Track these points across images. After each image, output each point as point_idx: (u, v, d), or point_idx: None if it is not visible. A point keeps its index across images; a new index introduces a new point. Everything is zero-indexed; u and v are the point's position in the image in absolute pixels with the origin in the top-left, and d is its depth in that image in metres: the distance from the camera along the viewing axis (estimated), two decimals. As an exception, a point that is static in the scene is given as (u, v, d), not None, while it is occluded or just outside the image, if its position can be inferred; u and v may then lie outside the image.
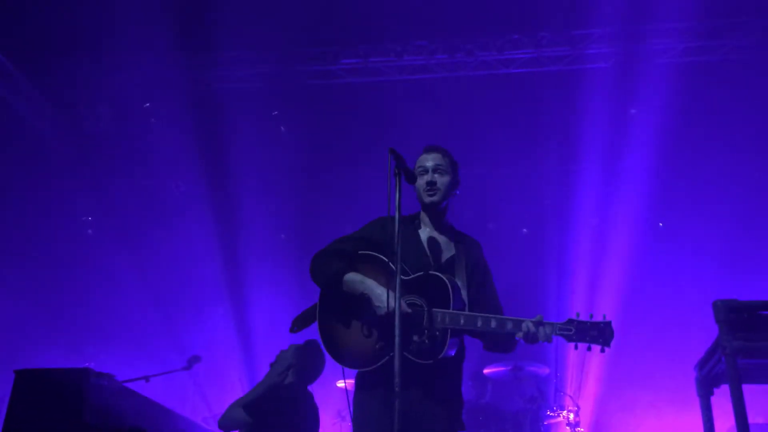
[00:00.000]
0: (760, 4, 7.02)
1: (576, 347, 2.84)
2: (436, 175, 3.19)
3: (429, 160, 3.22)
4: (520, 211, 8.75)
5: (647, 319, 7.91)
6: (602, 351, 2.80)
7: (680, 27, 7.18)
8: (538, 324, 2.83)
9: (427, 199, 3.19)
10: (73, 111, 8.14)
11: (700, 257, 7.92)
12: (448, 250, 3.23)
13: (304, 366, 4.62)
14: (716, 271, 7.64)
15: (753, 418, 3.24)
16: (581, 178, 8.35)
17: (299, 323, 3.27)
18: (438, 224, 3.28)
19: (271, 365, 4.73)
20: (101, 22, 6.93)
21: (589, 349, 2.83)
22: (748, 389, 2.72)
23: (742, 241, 7.84)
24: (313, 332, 3.24)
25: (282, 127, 8.28)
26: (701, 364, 3.27)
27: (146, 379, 5.34)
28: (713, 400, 3.31)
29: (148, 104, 7.94)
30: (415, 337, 2.89)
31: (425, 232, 3.26)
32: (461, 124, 7.74)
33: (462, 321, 2.89)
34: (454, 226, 3.38)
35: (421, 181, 3.19)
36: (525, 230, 8.88)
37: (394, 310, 2.78)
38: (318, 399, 4.71)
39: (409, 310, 2.91)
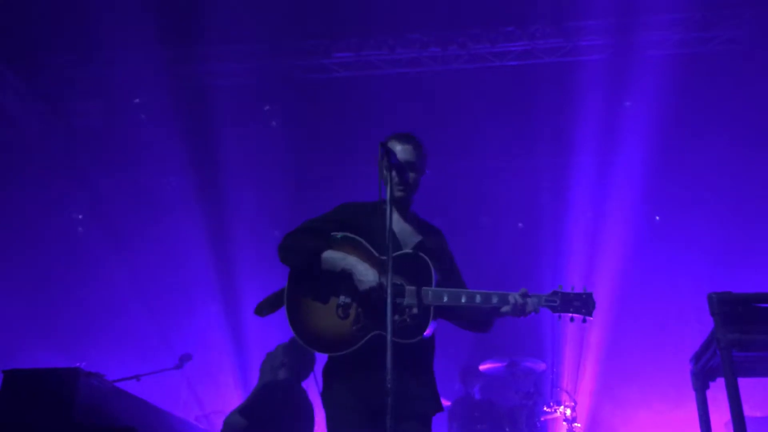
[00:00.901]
0: (754, -5, 6.99)
1: (559, 318, 2.96)
2: (409, 174, 3.11)
3: (403, 153, 3.13)
4: (515, 204, 8.71)
5: (643, 313, 7.89)
6: (584, 321, 2.95)
7: (674, 18, 7.15)
8: (524, 296, 2.89)
9: (397, 194, 3.11)
10: (61, 107, 8.07)
11: (695, 250, 7.89)
12: (414, 237, 3.18)
13: (295, 362, 4.59)
14: (711, 264, 7.61)
15: (749, 411, 3.21)
16: (576, 171, 8.32)
17: (266, 307, 3.14)
18: (404, 213, 3.23)
19: (261, 368, 4.69)
20: (89, 17, 6.86)
21: (572, 320, 2.95)
22: (743, 382, 2.70)
23: (737, 234, 7.82)
24: (280, 316, 3.09)
25: (273, 122, 8.22)
26: (696, 358, 3.25)
27: (137, 378, 5.30)
28: (709, 393, 3.29)
29: (137, 100, 7.87)
30: (396, 317, 2.82)
31: (394, 216, 3.14)
32: (455, 117, 7.70)
33: (446, 297, 2.87)
34: (417, 215, 3.33)
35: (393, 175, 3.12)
36: (520, 224, 8.85)
37: (375, 287, 2.81)
38: (313, 398, 4.67)
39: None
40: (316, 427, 4.62)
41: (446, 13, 7.10)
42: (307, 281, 2.99)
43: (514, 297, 2.88)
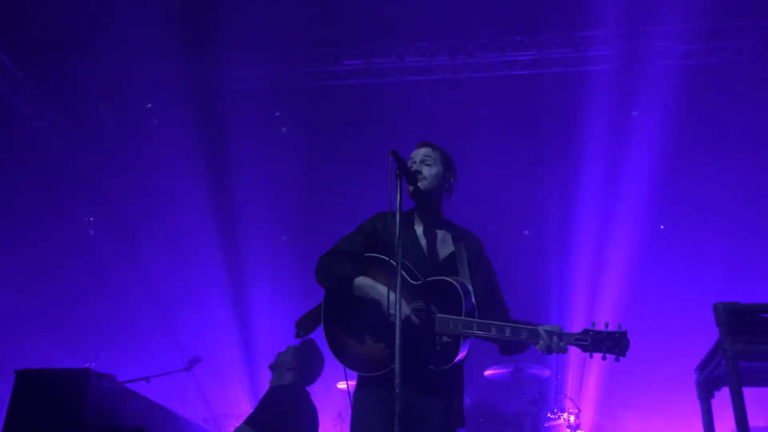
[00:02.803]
0: (762, 7, 7.01)
1: (591, 356, 2.85)
2: (423, 166, 3.18)
3: (418, 154, 3.24)
4: (522, 212, 8.73)
5: (648, 322, 7.87)
6: (617, 360, 2.82)
7: (683, 29, 7.19)
8: (553, 334, 2.81)
9: (410, 189, 3.15)
10: (74, 110, 8.14)
11: (701, 260, 7.90)
12: (445, 247, 3.20)
13: (304, 366, 4.60)
14: (717, 274, 7.61)
15: (753, 421, 3.23)
16: (583, 180, 8.34)
17: (304, 327, 3.22)
18: (432, 219, 3.24)
19: (270, 367, 4.72)
20: (104, 21, 6.93)
21: (604, 358, 2.84)
22: (748, 392, 2.71)
23: (743, 244, 7.82)
24: (317, 334, 3.23)
25: (283, 128, 8.28)
26: (702, 367, 3.25)
27: (147, 379, 5.35)
28: (714, 402, 3.29)
29: (149, 105, 7.93)
30: (429, 344, 2.87)
31: (420, 228, 3.23)
32: (463, 125, 7.73)
33: (475, 328, 2.87)
34: (451, 221, 3.34)
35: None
36: (526, 232, 8.87)
37: (405, 317, 2.83)
38: (318, 400, 4.70)
39: (417, 321, 2.88)
40: (320, 429, 4.64)
41: (455, 21, 7.14)
42: (341, 305, 3.07)
43: (544, 335, 2.80)
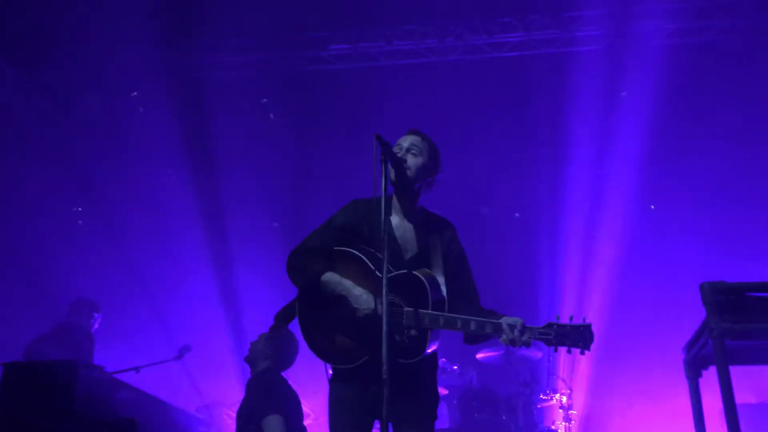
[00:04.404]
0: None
1: (555, 350, 2.85)
2: (408, 155, 3.16)
3: (406, 141, 3.20)
4: (512, 195, 8.74)
5: (638, 302, 7.94)
6: (582, 353, 2.82)
7: (671, 8, 7.15)
8: (514, 327, 2.81)
9: (392, 178, 3.11)
10: (59, 100, 8.05)
11: (690, 239, 7.94)
12: (419, 239, 3.19)
13: (276, 352, 4.58)
14: (707, 253, 7.66)
15: (742, 398, 3.24)
16: (572, 161, 8.35)
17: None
18: (409, 210, 3.23)
19: (246, 360, 4.69)
20: (87, 9, 6.84)
21: (569, 351, 2.84)
22: (736, 369, 2.72)
23: (732, 223, 7.86)
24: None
25: (271, 115, 8.23)
26: (689, 346, 3.27)
27: (136, 370, 5.34)
28: (701, 381, 3.31)
29: (135, 93, 7.86)
30: (396, 337, 2.88)
31: (396, 219, 3.21)
32: (452, 108, 7.71)
33: (441, 322, 2.90)
34: (426, 209, 3.33)
35: None
36: (517, 214, 8.89)
37: (371, 312, 2.87)
38: (316, 391, 4.67)
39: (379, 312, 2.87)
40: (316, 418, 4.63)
41: (443, 4, 7.09)
42: (312, 300, 3.09)
43: (506, 329, 2.81)
